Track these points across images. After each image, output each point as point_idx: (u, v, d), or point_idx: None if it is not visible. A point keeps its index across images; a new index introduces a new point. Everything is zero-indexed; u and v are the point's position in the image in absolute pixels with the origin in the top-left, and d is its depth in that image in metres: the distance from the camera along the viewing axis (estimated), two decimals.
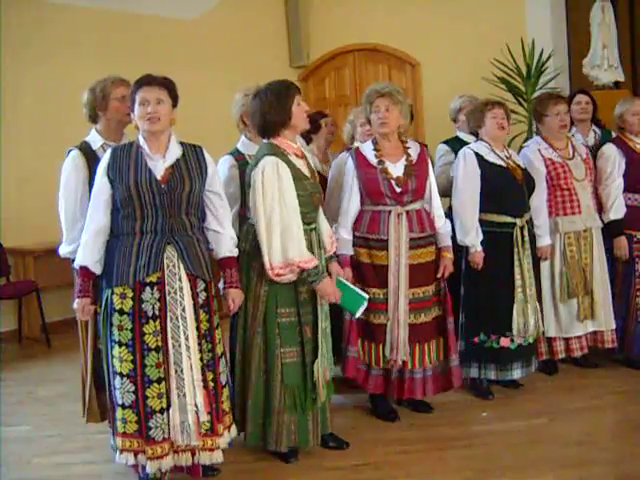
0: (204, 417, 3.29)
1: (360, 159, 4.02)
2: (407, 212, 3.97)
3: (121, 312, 3.23)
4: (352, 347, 4.01)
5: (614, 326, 4.68)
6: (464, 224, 4.25)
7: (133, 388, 3.24)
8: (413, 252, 3.98)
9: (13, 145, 6.52)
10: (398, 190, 3.95)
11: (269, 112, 3.52)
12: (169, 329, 3.24)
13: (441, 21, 7.65)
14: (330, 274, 3.72)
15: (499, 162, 4.29)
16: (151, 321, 3.24)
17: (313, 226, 3.62)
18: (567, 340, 4.67)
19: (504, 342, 4.31)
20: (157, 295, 3.24)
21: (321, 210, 3.77)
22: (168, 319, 3.24)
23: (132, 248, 3.23)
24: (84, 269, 3.28)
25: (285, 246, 3.43)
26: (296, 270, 3.45)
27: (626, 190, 4.73)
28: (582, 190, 4.59)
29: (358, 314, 3.84)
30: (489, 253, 4.27)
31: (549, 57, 6.56)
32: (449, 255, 4.11)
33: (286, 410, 3.58)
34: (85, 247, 3.28)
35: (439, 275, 4.09)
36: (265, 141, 3.60)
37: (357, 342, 4.02)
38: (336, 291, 3.57)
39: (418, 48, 7.91)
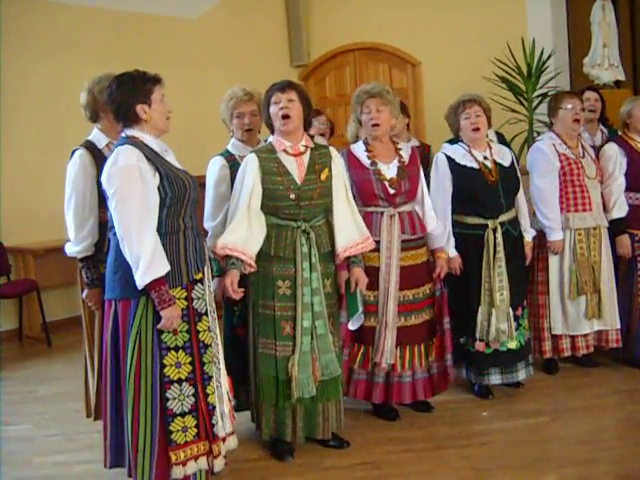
0: (233, 401, 3.37)
1: (352, 160, 4.01)
2: (399, 214, 3.96)
3: None
4: (345, 350, 3.99)
5: (619, 326, 4.67)
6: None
7: (193, 391, 3.15)
8: (404, 254, 3.97)
9: (13, 144, 6.52)
10: (392, 192, 3.94)
11: (262, 110, 3.73)
12: (210, 323, 3.25)
13: (442, 20, 7.64)
14: (350, 279, 3.75)
15: (472, 165, 4.24)
16: (204, 318, 3.20)
17: (299, 223, 3.60)
18: (573, 338, 4.66)
19: (479, 346, 4.26)
20: (204, 291, 3.22)
21: (342, 210, 3.73)
22: (209, 313, 3.25)
23: (179, 247, 3.13)
24: (164, 277, 3.03)
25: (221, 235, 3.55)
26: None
27: (627, 189, 4.74)
28: (593, 188, 4.60)
29: (351, 325, 3.86)
30: (461, 254, 4.25)
31: (550, 56, 6.55)
32: (444, 255, 4.15)
33: (264, 400, 3.62)
34: (158, 254, 3.00)
35: (435, 275, 4.12)
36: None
37: (348, 345, 4.01)
38: (230, 286, 3.44)
39: (419, 47, 7.91)
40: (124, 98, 3.11)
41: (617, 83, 6.59)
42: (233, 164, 3.88)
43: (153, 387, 3.11)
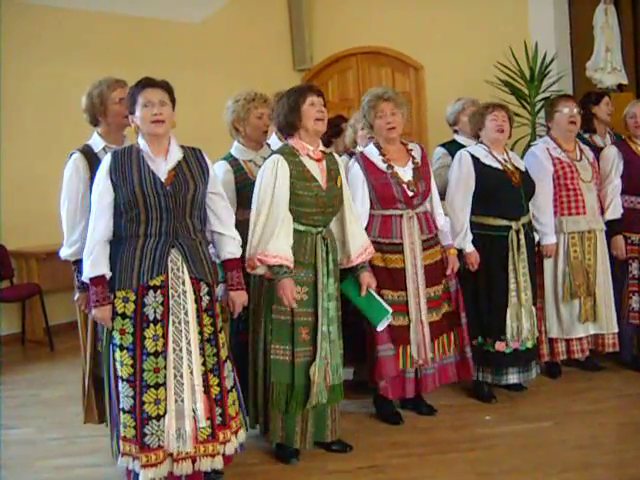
0: (203, 423, 3.23)
1: (368, 164, 4.01)
2: (417, 215, 4.02)
3: (123, 316, 3.18)
4: (384, 345, 3.97)
5: (616, 330, 4.67)
6: (453, 226, 4.26)
7: (132, 393, 3.18)
8: (425, 253, 4.04)
9: (15, 148, 6.53)
10: (410, 194, 3.98)
11: (282, 112, 3.61)
12: (171, 333, 3.19)
13: (444, 24, 7.65)
14: (361, 284, 3.77)
15: (496, 165, 4.28)
16: (152, 325, 3.18)
17: (320, 229, 3.62)
18: (568, 341, 4.66)
19: (499, 346, 4.29)
20: (160, 299, 3.19)
21: (351, 217, 3.76)
22: (170, 323, 3.19)
23: (135, 251, 3.18)
24: (100, 278, 3.18)
25: (261, 240, 3.47)
26: (258, 264, 3.47)
27: (622, 192, 4.75)
28: (588, 191, 4.60)
29: (380, 327, 3.85)
30: (485, 256, 4.27)
31: (552, 60, 6.56)
32: (454, 251, 4.21)
33: (273, 406, 3.59)
34: (96, 255, 3.18)
35: (448, 272, 4.17)
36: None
37: (388, 340, 3.97)
38: (291, 296, 3.48)
39: (421, 51, 7.92)
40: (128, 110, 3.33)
41: (620, 87, 6.58)
42: (237, 168, 3.88)
43: (109, 377, 3.32)
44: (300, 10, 8.57)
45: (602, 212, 4.73)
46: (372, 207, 4.00)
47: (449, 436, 3.99)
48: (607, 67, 6.46)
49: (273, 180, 3.50)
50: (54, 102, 6.70)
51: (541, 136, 5.91)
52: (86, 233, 3.51)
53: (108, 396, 3.40)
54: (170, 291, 3.21)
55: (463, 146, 4.64)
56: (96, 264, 3.18)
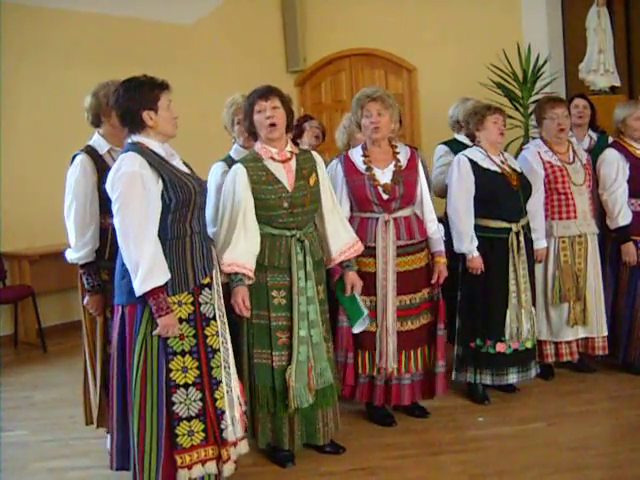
0: (244, 407, 3.38)
1: (348, 165, 4.01)
2: (395, 219, 3.96)
3: (180, 320, 3.10)
4: (350, 354, 4.00)
5: (606, 333, 4.67)
6: (459, 232, 4.25)
7: (200, 395, 3.15)
8: (401, 259, 3.97)
9: (10, 150, 6.51)
10: (385, 197, 3.93)
11: (244, 118, 3.68)
12: (219, 328, 3.24)
13: (438, 26, 7.67)
14: (345, 284, 3.79)
15: (494, 168, 4.28)
16: (212, 322, 3.19)
17: (294, 232, 3.59)
18: (557, 344, 4.67)
19: (500, 347, 4.30)
20: (212, 295, 3.22)
21: (331, 215, 3.75)
22: (218, 318, 3.23)
23: (186, 253, 3.12)
24: (164, 285, 3.03)
25: (220, 250, 3.48)
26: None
27: (629, 195, 4.70)
28: (579, 195, 4.59)
29: (356, 329, 3.87)
30: (484, 258, 4.27)
31: (545, 62, 6.58)
32: (442, 260, 4.09)
33: (260, 408, 3.61)
34: (159, 262, 3.00)
35: (433, 281, 4.08)
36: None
37: (353, 350, 4.00)
38: (243, 304, 3.46)
39: (415, 53, 7.94)
40: (131, 104, 3.08)
41: (612, 89, 6.61)
42: None
43: (159, 391, 3.10)
44: (293, 11, 8.58)
45: (603, 216, 4.72)
46: (351, 209, 4.00)
47: (442, 438, 4.00)
48: (600, 69, 6.49)
49: (232, 189, 3.53)
50: (49, 103, 6.69)
51: (534, 138, 5.93)
52: (97, 236, 3.49)
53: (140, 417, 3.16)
54: (215, 287, 3.24)
55: (464, 144, 4.66)
56: (161, 271, 3.01)
